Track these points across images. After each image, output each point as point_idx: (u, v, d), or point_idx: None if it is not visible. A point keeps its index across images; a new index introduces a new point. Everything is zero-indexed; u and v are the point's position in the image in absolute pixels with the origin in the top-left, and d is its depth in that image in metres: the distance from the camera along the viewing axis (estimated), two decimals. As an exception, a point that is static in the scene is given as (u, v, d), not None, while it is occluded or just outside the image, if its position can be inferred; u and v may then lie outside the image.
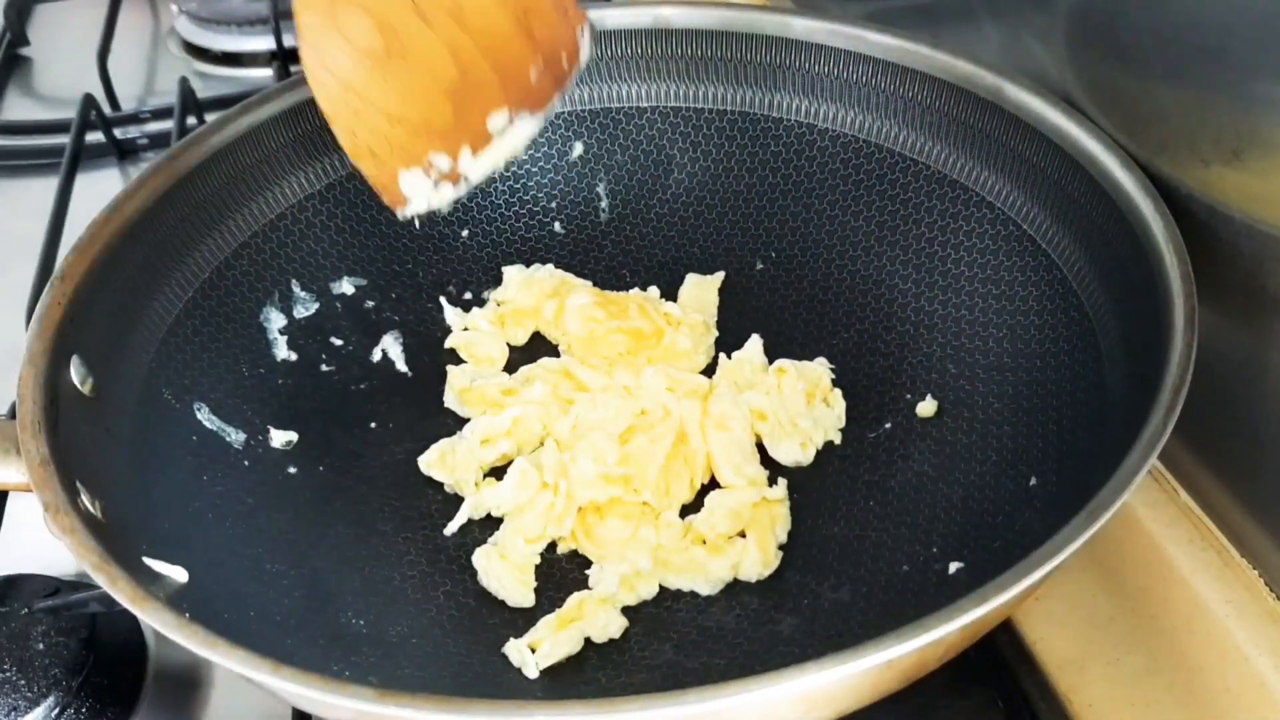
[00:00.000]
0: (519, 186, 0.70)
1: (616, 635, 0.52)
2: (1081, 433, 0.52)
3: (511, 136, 0.59)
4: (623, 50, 0.69)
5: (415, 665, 0.51)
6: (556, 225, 0.71)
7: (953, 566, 0.52)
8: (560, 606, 0.53)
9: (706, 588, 0.54)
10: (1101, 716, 0.50)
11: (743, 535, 0.55)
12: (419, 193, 0.58)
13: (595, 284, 0.69)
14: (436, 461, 0.60)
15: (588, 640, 0.52)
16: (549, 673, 0.51)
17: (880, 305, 0.65)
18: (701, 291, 0.68)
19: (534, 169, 0.71)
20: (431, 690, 0.48)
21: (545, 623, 0.52)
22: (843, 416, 0.61)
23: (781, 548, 0.56)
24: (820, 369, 0.62)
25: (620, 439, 0.58)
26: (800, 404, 0.60)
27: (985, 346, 0.61)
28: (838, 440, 0.60)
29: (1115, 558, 0.55)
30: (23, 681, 0.52)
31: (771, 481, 0.58)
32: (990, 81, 0.60)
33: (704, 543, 0.55)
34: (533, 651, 0.51)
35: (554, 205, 0.71)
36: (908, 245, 0.65)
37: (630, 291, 0.68)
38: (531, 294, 0.67)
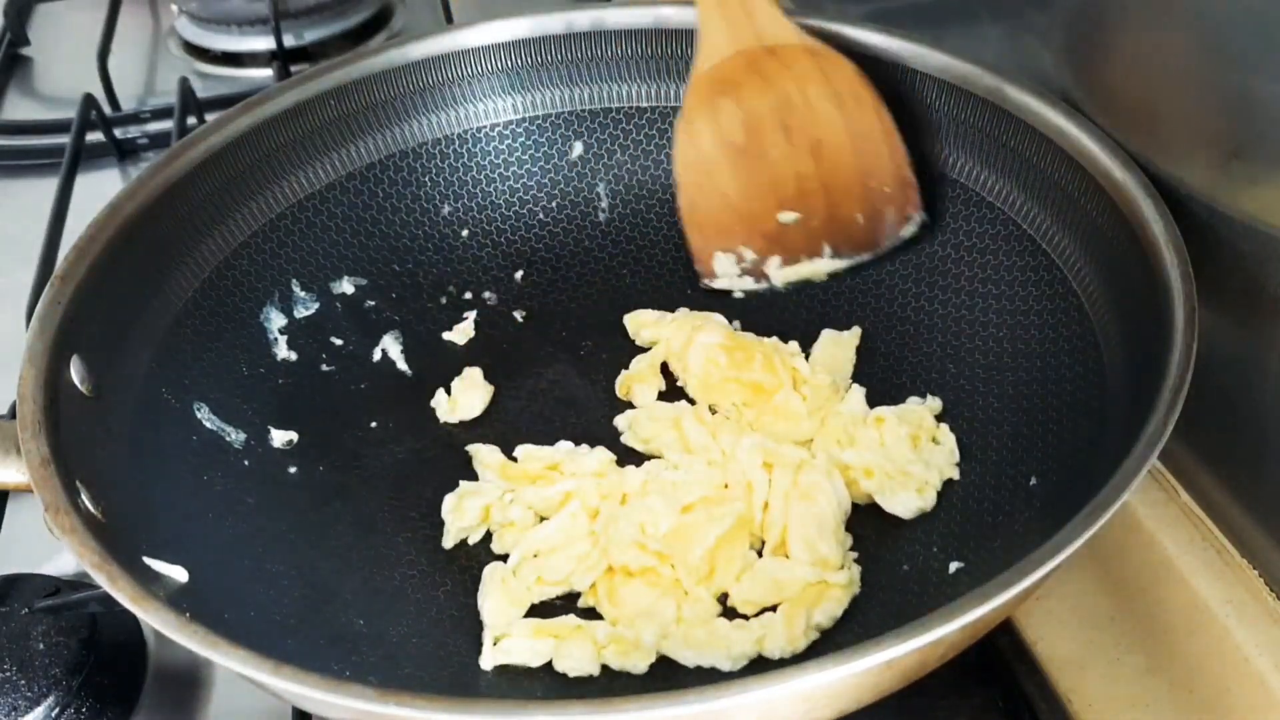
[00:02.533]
0: (519, 186, 0.70)
1: (584, 674, 0.50)
2: (1081, 433, 0.52)
3: (818, 265, 0.67)
4: (623, 50, 0.69)
5: (415, 665, 0.51)
6: (556, 225, 0.71)
7: (953, 566, 0.52)
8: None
9: (727, 663, 0.50)
10: (1101, 716, 0.50)
11: (774, 610, 0.52)
12: (725, 273, 0.67)
13: (595, 283, 0.69)
14: (471, 519, 0.57)
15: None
16: (548, 670, 0.51)
17: (880, 305, 0.65)
18: (838, 349, 0.64)
19: (534, 169, 0.71)
20: (432, 690, 0.49)
21: (524, 623, 0.52)
22: (955, 450, 0.57)
23: (824, 632, 0.51)
24: (921, 410, 0.59)
25: (682, 509, 0.54)
26: (906, 450, 0.56)
27: (985, 346, 0.61)
28: (957, 476, 0.57)
29: (1115, 558, 0.55)
30: (23, 681, 0.52)
31: (868, 557, 0.54)
32: (990, 81, 0.60)
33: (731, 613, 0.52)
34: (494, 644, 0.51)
35: (554, 205, 0.71)
36: (908, 246, 0.65)
37: (769, 339, 0.64)
38: (668, 327, 0.65)
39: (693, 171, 0.66)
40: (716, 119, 0.65)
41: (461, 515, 0.57)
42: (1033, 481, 0.53)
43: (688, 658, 0.50)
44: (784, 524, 0.54)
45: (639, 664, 0.50)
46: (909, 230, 0.65)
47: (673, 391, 0.64)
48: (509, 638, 0.51)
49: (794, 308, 0.66)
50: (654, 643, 0.51)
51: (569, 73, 0.70)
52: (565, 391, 0.65)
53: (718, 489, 0.56)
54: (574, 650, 0.51)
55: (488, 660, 0.51)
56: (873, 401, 0.61)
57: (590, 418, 0.63)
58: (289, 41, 1.00)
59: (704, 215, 0.66)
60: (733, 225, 0.66)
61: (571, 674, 0.50)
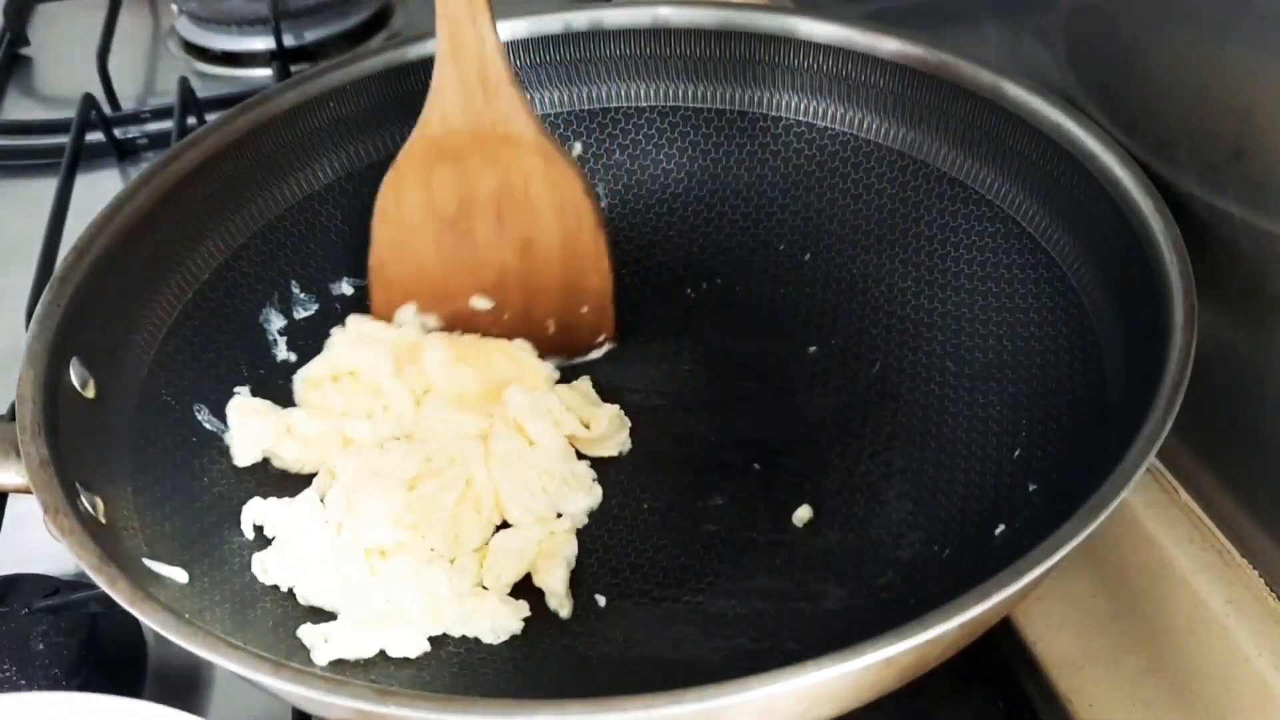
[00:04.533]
0: (518, 186, 0.70)
1: (413, 655, 0.51)
2: (1081, 431, 0.52)
3: None
4: (622, 50, 0.69)
5: (416, 666, 0.51)
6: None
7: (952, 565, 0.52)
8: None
9: (491, 636, 0.52)
10: (1101, 716, 0.50)
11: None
12: (407, 321, 0.64)
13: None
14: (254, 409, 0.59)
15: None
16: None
17: (880, 304, 0.65)
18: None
19: (534, 169, 0.70)
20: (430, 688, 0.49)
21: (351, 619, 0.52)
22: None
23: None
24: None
25: (408, 485, 0.56)
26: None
27: (985, 345, 0.60)
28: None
29: (1115, 558, 0.55)
30: (23, 681, 0.52)
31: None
32: (990, 80, 0.60)
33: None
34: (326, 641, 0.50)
35: (553, 205, 0.71)
36: (907, 244, 0.65)
37: (500, 340, 0.64)
38: (366, 355, 0.62)
39: (392, 230, 0.62)
40: (430, 185, 0.62)
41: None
42: (1032, 481, 0.53)
43: (454, 629, 0.52)
44: (495, 489, 0.57)
45: (413, 647, 0.51)
46: (595, 354, 0.66)
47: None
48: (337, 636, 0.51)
49: (788, 305, 0.67)
50: (422, 619, 0.51)
51: (567, 73, 0.70)
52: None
53: (426, 463, 0.57)
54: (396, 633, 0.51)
55: (321, 656, 0.50)
56: (871, 402, 0.61)
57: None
58: (289, 41, 1.00)
59: (394, 277, 0.63)
60: (422, 294, 0.64)
61: (394, 653, 0.50)
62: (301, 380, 0.62)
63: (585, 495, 0.58)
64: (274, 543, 0.54)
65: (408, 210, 0.62)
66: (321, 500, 0.56)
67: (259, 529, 0.55)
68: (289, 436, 0.59)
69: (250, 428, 0.58)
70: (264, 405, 0.60)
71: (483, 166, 0.61)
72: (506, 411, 0.59)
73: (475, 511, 0.56)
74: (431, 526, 0.54)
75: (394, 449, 0.58)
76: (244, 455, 0.58)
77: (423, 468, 0.57)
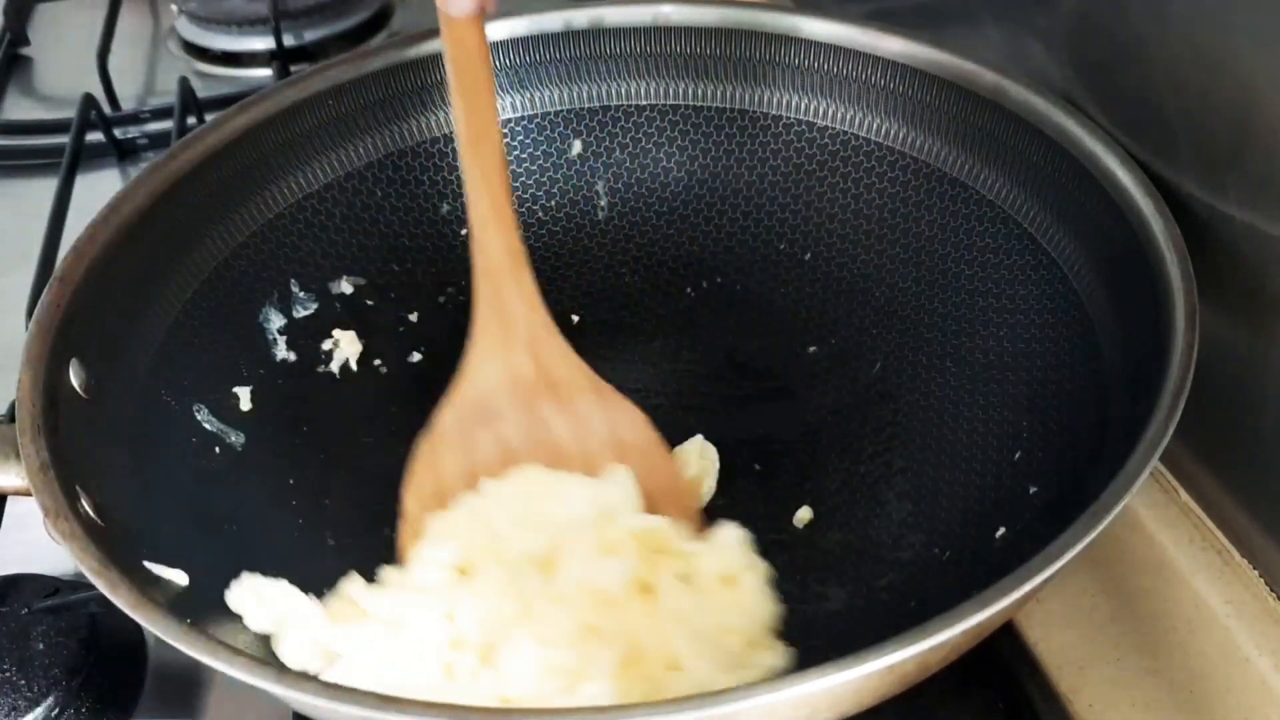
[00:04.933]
0: (517, 185, 0.70)
1: None
2: (1082, 434, 0.52)
3: None
4: (622, 48, 0.69)
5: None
6: (555, 224, 0.71)
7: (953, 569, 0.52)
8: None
9: None
10: (1102, 717, 0.50)
11: None
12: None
13: (593, 284, 0.69)
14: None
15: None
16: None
17: (880, 304, 0.65)
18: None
19: (533, 167, 0.70)
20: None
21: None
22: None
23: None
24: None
25: (564, 643, 0.48)
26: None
27: (985, 346, 0.60)
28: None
29: (1116, 558, 0.55)
30: (23, 681, 0.52)
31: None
32: (991, 80, 0.60)
33: None
34: None
35: (553, 204, 0.71)
36: (908, 244, 0.65)
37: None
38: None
39: (424, 503, 0.55)
40: (472, 453, 0.56)
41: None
42: (1033, 484, 0.53)
43: None
44: (665, 646, 0.48)
45: None
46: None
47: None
48: None
49: (788, 305, 0.67)
50: None
51: (567, 71, 0.70)
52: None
53: (586, 625, 0.48)
54: None
55: None
56: (871, 402, 0.61)
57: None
58: (289, 41, 1.00)
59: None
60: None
61: None
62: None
63: (774, 656, 0.49)
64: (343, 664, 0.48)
65: (446, 482, 0.56)
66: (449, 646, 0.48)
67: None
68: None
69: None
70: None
71: (529, 425, 0.57)
72: (708, 557, 0.52)
73: (642, 679, 0.47)
74: (589, 682, 0.46)
75: (541, 609, 0.49)
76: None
77: (577, 631, 0.48)
